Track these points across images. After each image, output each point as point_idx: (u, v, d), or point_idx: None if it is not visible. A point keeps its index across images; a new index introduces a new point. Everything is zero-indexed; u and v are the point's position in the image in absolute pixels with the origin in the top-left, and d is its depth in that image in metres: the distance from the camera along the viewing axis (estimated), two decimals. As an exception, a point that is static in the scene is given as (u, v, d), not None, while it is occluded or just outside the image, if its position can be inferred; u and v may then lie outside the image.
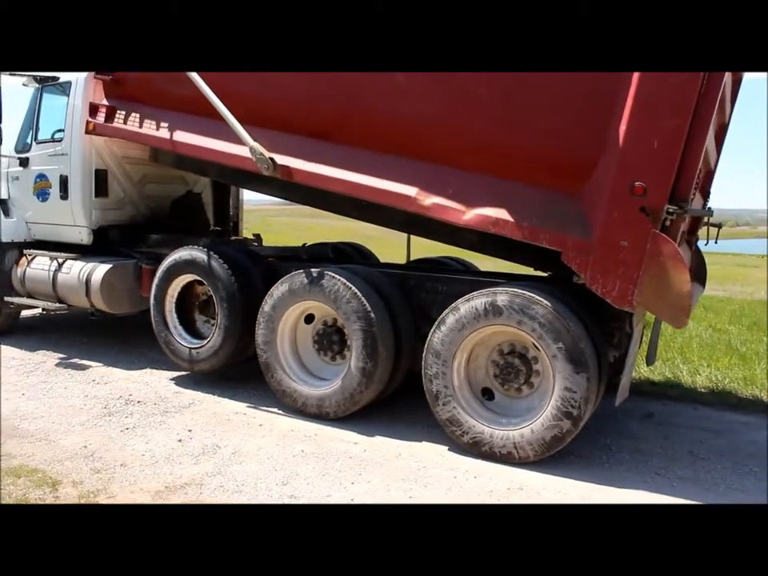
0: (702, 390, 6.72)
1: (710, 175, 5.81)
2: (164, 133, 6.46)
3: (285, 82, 5.52)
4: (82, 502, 4.07)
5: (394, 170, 5.12)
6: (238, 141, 5.70)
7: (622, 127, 4.14)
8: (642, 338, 6.16)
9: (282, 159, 5.60)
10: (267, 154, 5.58)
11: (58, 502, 4.07)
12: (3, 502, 4.07)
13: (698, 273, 5.99)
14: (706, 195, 5.87)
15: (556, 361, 4.45)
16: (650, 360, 6.16)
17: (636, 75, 4.08)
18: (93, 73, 7.01)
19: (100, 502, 4.06)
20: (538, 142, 4.61)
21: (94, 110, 6.94)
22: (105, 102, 6.92)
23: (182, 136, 6.35)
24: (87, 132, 7.01)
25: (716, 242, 5.64)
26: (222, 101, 5.67)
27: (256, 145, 5.59)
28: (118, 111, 6.82)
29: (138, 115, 6.67)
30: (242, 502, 4.09)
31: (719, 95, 4.16)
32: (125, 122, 6.76)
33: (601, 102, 4.34)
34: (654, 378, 7.05)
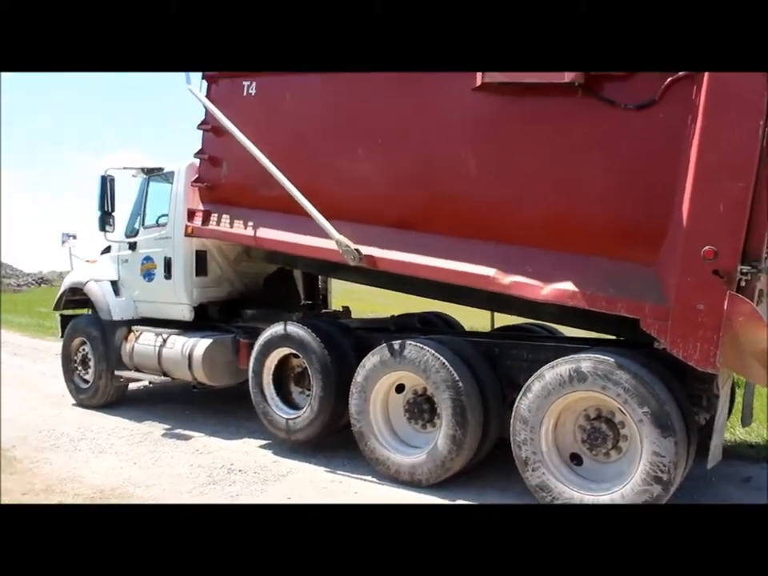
0: (805, 451, 6.49)
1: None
2: (251, 231, 6.87)
3: (370, 179, 5.88)
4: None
5: (473, 253, 5.33)
6: (322, 234, 6.03)
7: (687, 194, 4.25)
8: (734, 398, 6.08)
9: (366, 249, 5.88)
10: (353, 246, 5.88)
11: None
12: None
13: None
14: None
15: (642, 425, 4.49)
16: (745, 421, 6.02)
17: (696, 143, 4.19)
18: (194, 162, 7.57)
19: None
20: (608, 216, 4.77)
21: (191, 214, 7.43)
22: (201, 206, 7.39)
23: (267, 233, 6.74)
24: (186, 235, 7.52)
25: None
26: (307, 198, 6.01)
27: (342, 238, 5.91)
28: (212, 214, 7.26)
29: (228, 216, 7.10)
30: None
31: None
32: (218, 224, 7.20)
33: (664, 172, 4.47)
34: (751, 439, 6.85)
